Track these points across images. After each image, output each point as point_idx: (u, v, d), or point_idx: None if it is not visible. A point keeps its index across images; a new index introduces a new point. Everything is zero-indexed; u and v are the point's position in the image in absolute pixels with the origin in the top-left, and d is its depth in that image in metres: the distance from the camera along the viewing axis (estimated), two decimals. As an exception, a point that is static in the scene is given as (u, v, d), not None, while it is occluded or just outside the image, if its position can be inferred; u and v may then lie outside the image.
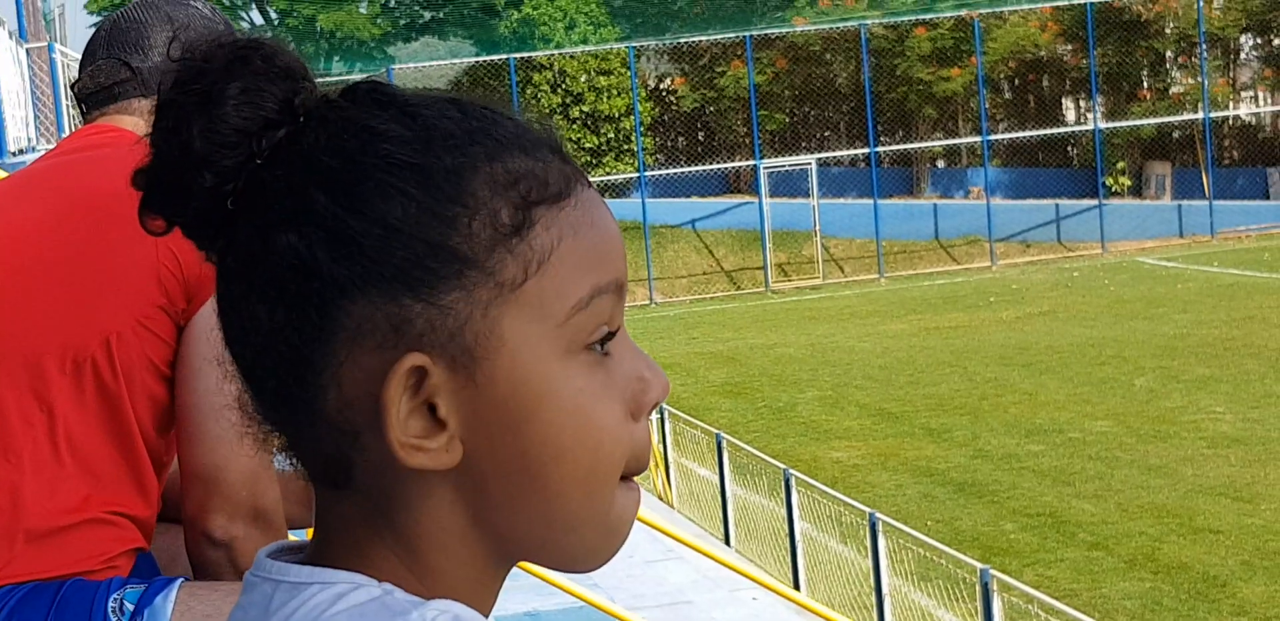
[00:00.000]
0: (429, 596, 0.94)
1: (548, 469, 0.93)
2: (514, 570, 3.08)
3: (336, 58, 47.09)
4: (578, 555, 0.97)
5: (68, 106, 16.19)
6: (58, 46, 17.92)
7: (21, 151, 13.73)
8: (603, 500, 0.95)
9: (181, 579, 2.17)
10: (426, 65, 39.20)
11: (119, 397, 2.19)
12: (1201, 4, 38.33)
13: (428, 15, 49.30)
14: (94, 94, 2.46)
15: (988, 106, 39.41)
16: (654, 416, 17.66)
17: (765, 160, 37.58)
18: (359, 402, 0.92)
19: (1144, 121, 39.15)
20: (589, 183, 0.98)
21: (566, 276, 0.93)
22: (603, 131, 39.35)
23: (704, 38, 40.24)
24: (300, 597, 0.93)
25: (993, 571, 10.87)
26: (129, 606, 2.11)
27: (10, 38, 15.59)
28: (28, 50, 16.37)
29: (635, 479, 0.97)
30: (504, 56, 37.31)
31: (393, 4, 49.34)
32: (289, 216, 0.92)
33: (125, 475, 2.22)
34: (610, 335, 0.95)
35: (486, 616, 0.99)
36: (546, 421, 0.93)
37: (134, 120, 2.42)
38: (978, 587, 10.97)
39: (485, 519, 0.95)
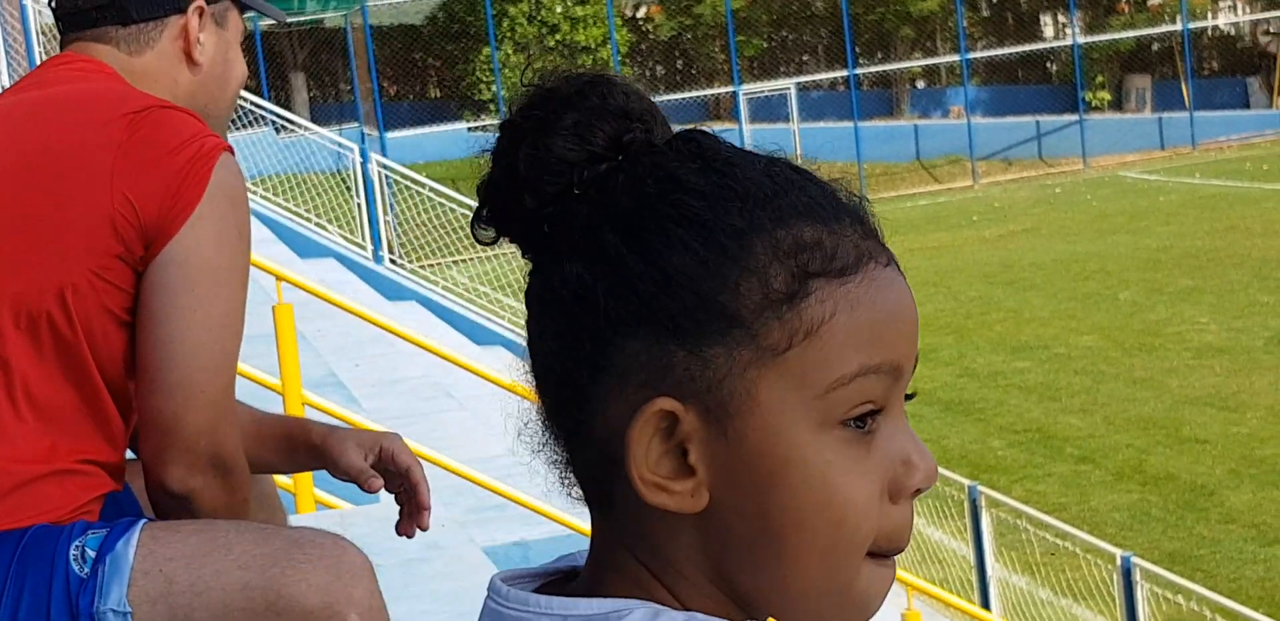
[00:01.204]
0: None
1: (786, 533, 0.95)
2: (502, 500, 3.07)
3: (309, -5, 46.72)
4: (812, 618, 0.99)
5: (40, 54, 16.09)
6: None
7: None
8: (843, 573, 0.96)
9: (144, 521, 2.14)
10: (402, 1, 38.94)
11: (78, 349, 2.16)
12: (1176, -86, 38.11)
13: (399, -50, 48.96)
14: (71, 16, 2.40)
15: (965, 24, 39.23)
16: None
17: (744, 86, 37.43)
18: (620, 435, 0.95)
19: (1123, 34, 39.01)
20: (890, 261, 0.99)
21: (833, 351, 0.94)
22: (580, 62, 39.13)
23: (677, -36, 39.97)
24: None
25: (981, 488, 10.94)
26: (90, 553, 2.09)
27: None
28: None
29: (888, 560, 0.98)
30: (477, -11, 37.06)
31: (363, -60, 48.94)
32: (582, 249, 0.97)
33: (91, 424, 2.19)
34: (873, 414, 0.96)
35: None
36: (790, 488, 0.94)
37: (108, 50, 2.36)
38: (966, 504, 11.04)
39: (727, 570, 0.98)
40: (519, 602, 1.00)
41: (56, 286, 2.13)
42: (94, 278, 2.14)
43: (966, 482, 11.36)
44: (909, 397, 1.00)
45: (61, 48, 2.41)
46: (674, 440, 0.95)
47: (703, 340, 0.94)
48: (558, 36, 38.92)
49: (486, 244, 1.03)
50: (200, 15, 2.36)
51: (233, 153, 2.21)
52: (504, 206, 1.00)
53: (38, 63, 15.94)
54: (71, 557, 2.08)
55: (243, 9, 2.46)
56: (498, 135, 1.00)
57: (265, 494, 2.56)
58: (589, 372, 0.97)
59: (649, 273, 0.95)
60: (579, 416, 0.98)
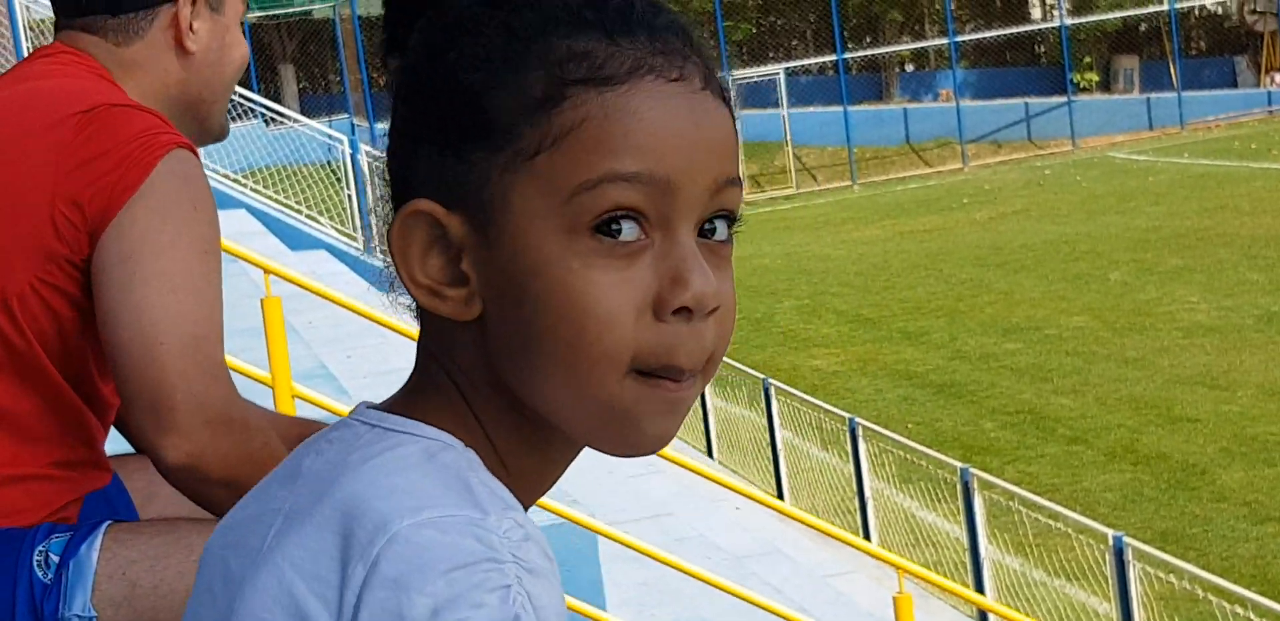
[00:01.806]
0: (493, 448, 0.99)
1: (535, 341, 0.96)
2: None
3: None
4: (590, 437, 1.00)
5: (28, 50, 16.08)
6: (11, -11, 17.73)
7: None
8: (597, 387, 0.96)
9: (107, 523, 2.10)
10: None
11: (32, 356, 2.11)
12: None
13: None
14: (63, 2, 2.36)
15: (953, 7, 39.21)
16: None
17: (733, 72, 37.39)
18: None
19: (1110, 15, 39.00)
20: (684, 77, 0.98)
21: (580, 156, 0.95)
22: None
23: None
24: (387, 443, 0.98)
25: (973, 470, 10.95)
26: (54, 558, 2.05)
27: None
28: None
29: (671, 381, 0.97)
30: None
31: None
32: (409, 55, 1.03)
33: (58, 427, 2.14)
34: (633, 222, 0.95)
35: (544, 489, 1.05)
36: (536, 294, 0.95)
37: (96, 40, 2.31)
38: (959, 487, 11.05)
39: (504, 379, 0.99)
40: (356, 413, 1.03)
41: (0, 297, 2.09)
42: (41, 284, 2.09)
43: (959, 465, 11.37)
44: (726, 221, 1.00)
45: (55, 35, 2.37)
46: (453, 248, 0.98)
47: (467, 144, 0.97)
48: (545, 24, 38.85)
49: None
50: (193, 3, 2.32)
51: (194, 151, 2.16)
52: (390, 34, 1.05)
53: (24, 53, 15.92)
54: (35, 563, 2.05)
55: None
56: None
57: None
58: (397, 179, 1.03)
59: (430, 76, 0.99)
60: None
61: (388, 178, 1.04)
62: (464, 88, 0.97)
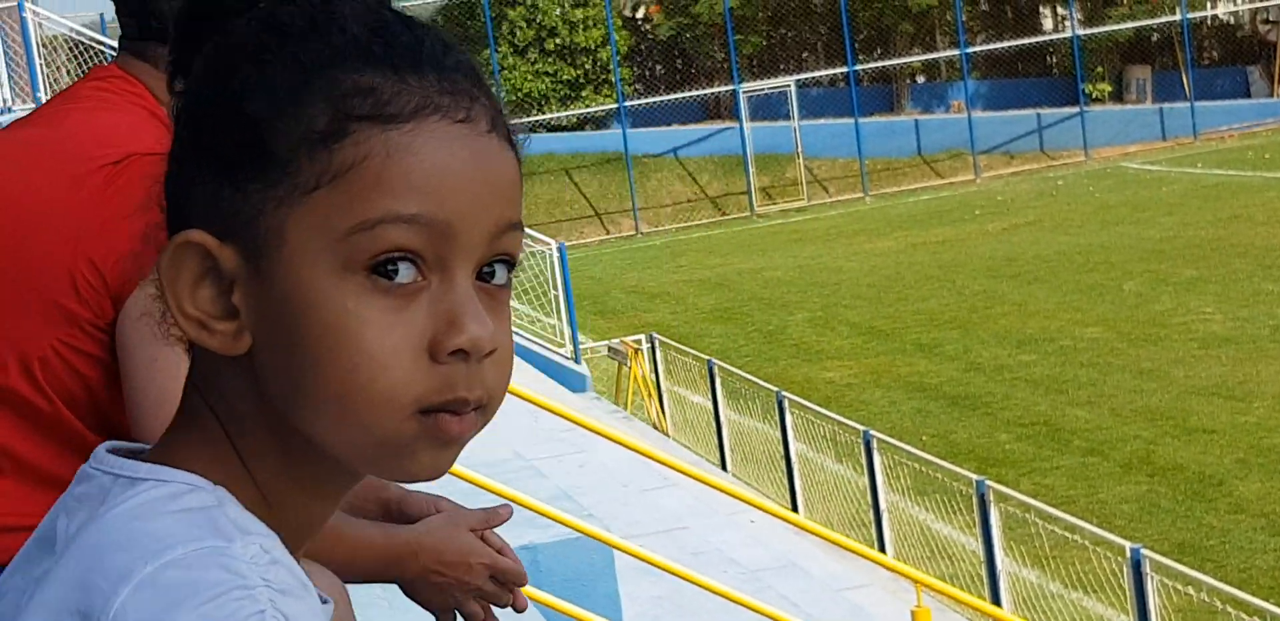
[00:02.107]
0: (254, 485, 0.97)
1: (306, 379, 0.94)
2: (509, 503, 2.79)
3: None
4: (366, 468, 0.98)
5: (41, 66, 16.10)
6: (27, 4, 17.78)
7: (-6, 112, 13.65)
8: (372, 425, 0.94)
9: None
10: (401, 6, 38.85)
11: (60, 417, 2.08)
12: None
13: (395, -45, 48.88)
14: (125, 20, 2.28)
15: (964, 18, 39.20)
16: (644, 345, 17.68)
17: (744, 84, 37.40)
18: None
19: (1122, 26, 38.96)
20: (471, 118, 0.97)
21: (358, 194, 0.93)
22: (580, 64, 39.15)
23: (674, -36, 39.93)
24: (131, 491, 0.96)
25: (989, 482, 10.92)
26: None
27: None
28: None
29: (450, 414, 0.95)
30: (474, -8, 37.05)
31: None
32: (191, 82, 1.01)
33: None
34: (410, 264, 0.94)
35: (318, 525, 1.01)
36: (308, 331, 0.93)
37: (148, 68, 2.24)
38: (974, 499, 11.02)
39: (276, 413, 0.97)
40: (97, 460, 1.00)
41: (21, 361, 2.05)
42: (62, 346, 2.05)
43: (974, 477, 11.33)
44: (505, 265, 0.99)
45: (117, 55, 2.30)
46: (225, 280, 0.96)
47: (244, 175, 0.95)
48: (556, 39, 38.89)
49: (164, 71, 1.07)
50: None
51: None
52: (177, 58, 1.05)
53: (39, 75, 15.93)
54: None
55: None
56: None
57: None
58: (172, 207, 0.99)
59: (210, 104, 0.97)
60: None
61: (163, 204, 1.01)
62: (245, 117, 0.95)
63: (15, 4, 16.68)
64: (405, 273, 0.94)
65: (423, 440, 0.95)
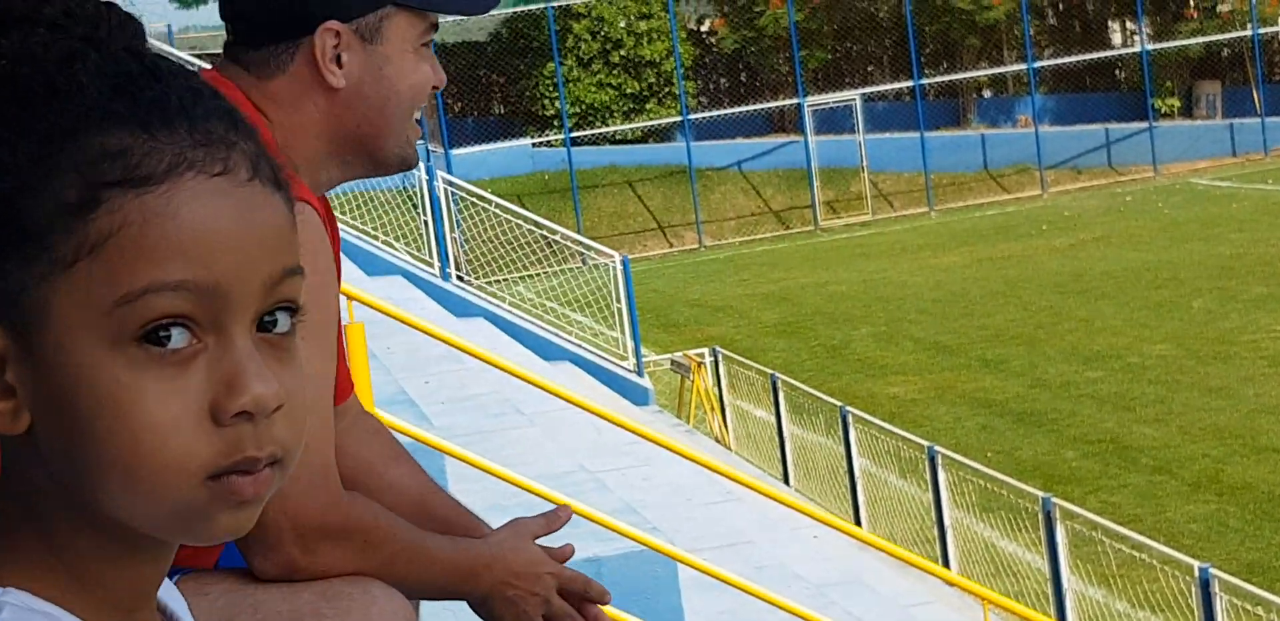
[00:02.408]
0: (61, 565, 0.95)
1: (89, 454, 0.92)
2: (573, 517, 2.78)
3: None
4: (163, 534, 0.96)
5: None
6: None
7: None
8: (161, 494, 0.92)
9: (178, 576, 2.02)
10: (463, 21, 39.10)
11: None
12: (1243, -81, 37.81)
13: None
14: (227, 24, 2.25)
15: (1032, 33, 39.01)
16: (707, 359, 17.64)
17: (809, 98, 37.33)
18: None
19: (1192, 41, 38.68)
20: (229, 170, 0.94)
21: (120, 266, 0.90)
22: (644, 76, 39.18)
23: (740, -23, 39.92)
24: None
25: (1055, 500, 10.84)
26: None
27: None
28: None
29: (241, 475, 0.94)
30: (541, 6, 37.14)
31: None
32: None
33: None
34: (182, 330, 0.91)
35: (148, 586, 0.99)
36: (83, 407, 0.91)
37: (242, 73, 2.20)
38: (1040, 517, 10.95)
39: (69, 491, 0.94)
40: None
41: None
42: None
43: (1040, 494, 11.26)
44: (287, 311, 0.96)
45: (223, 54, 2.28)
46: None
47: (1, 254, 0.91)
48: (621, 51, 38.95)
49: None
50: (337, 36, 2.17)
51: (312, 204, 2.06)
52: None
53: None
54: None
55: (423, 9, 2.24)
56: None
57: None
58: None
59: None
60: None
61: None
62: None
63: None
64: (178, 338, 0.91)
65: (217, 503, 0.93)
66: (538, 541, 2.25)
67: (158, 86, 0.94)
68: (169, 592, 1.05)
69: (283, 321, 0.96)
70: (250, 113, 2.17)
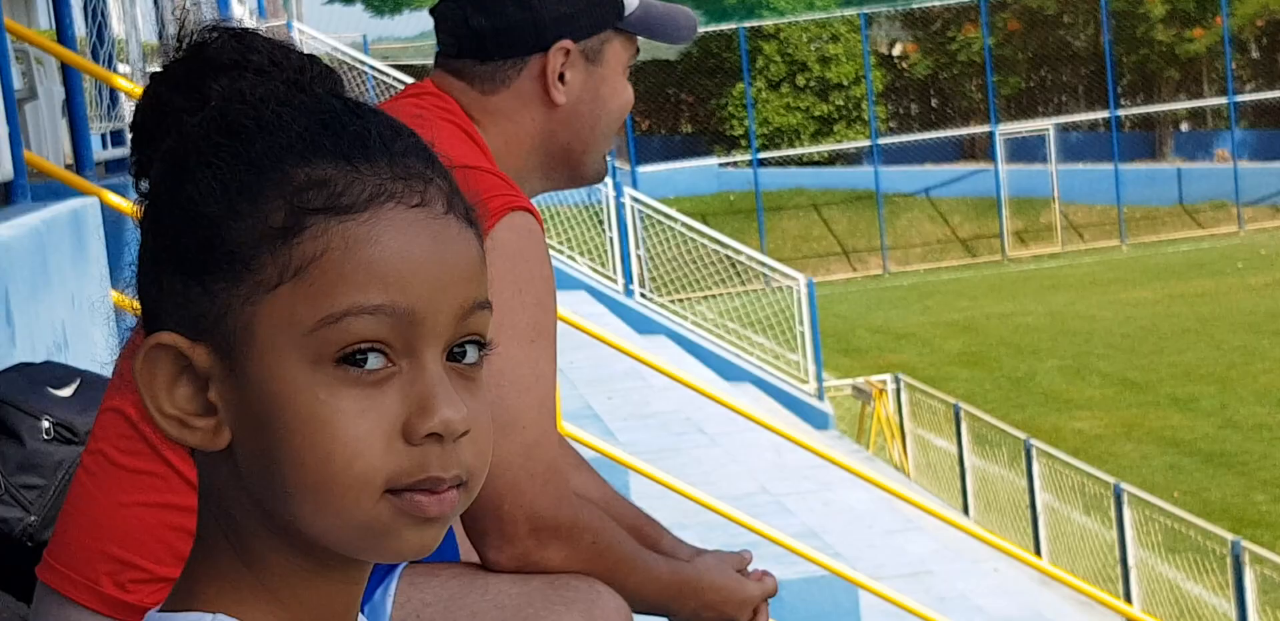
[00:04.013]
0: (263, 587, 0.99)
1: (285, 470, 0.96)
2: (755, 538, 2.99)
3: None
4: (354, 552, 0.99)
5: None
6: (296, 24, 18.31)
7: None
8: (348, 509, 0.96)
9: (402, 567, 2.08)
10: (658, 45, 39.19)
11: None
12: None
13: (657, -13, 49.30)
14: (441, 36, 2.31)
15: (1234, 66, 38.24)
16: (889, 386, 17.48)
17: (1001, 125, 36.92)
18: None
19: (1400, 78, 37.66)
20: (426, 202, 0.98)
21: (322, 289, 0.95)
22: (832, 99, 39.05)
23: (936, 2, 39.63)
24: None
25: (1244, 543, 10.58)
26: None
27: (250, 16, 15.96)
28: (266, 28, 16.75)
29: (424, 495, 0.96)
30: (733, 25, 37.17)
31: (623, -23, 49.44)
32: (149, 184, 1.02)
33: None
34: (380, 354, 0.95)
35: (346, 607, 1.02)
36: (283, 424, 0.95)
37: (462, 86, 2.27)
38: (1228, 560, 10.71)
39: (263, 506, 0.98)
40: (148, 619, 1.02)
41: None
42: None
43: (1229, 537, 10.99)
44: (476, 345, 0.99)
45: (433, 70, 2.33)
46: (199, 378, 0.97)
47: (210, 275, 0.96)
48: (808, 74, 38.86)
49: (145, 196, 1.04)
50: (566, 54, 2.26)
51: (533, 212, 2.10)
52: (138, 157, 1.05)
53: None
54: None
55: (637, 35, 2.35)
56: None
57: None
58: (150, 312, 1.01)
59: (171, 207, 0.98)
60: None
61: (138, 306, 1.04)
62: (203, 219, 0.97)
63: (284, 23, 17.24)
64: (374, 360, 0.96)
65: (402, 519, 0.97)
66: None
67: (360, 122, 0.99)
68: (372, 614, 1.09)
69: (471, 353, 1.00)
70: (465, 124, 2.25)
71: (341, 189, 0.96)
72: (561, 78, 2.26)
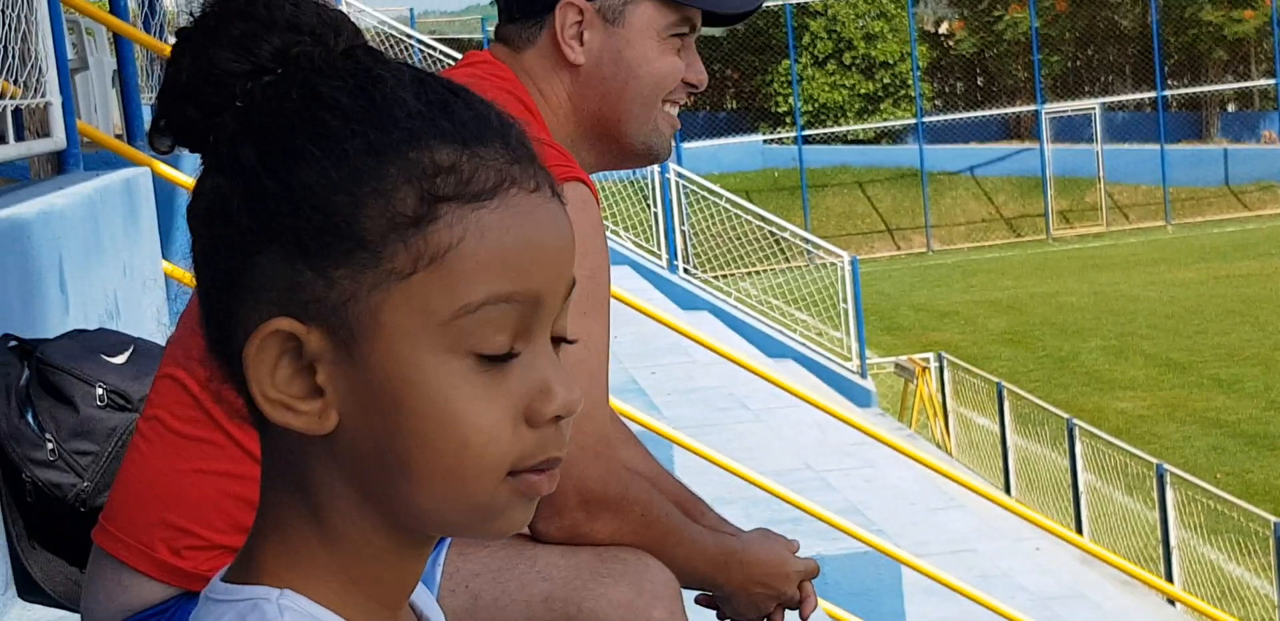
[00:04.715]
0: (337, 565, 0.99)
1: (412, 456, 0.95)
2: (798, 514, 2.99)
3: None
4: (457, 532, 1.01)
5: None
6: (344, -1, 18.29)
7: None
8: (475, 493, 0.96)
9: (450, 539, 2.09)
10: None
11: None
12: None
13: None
14: (499, 10, 2.28)
15: (1282, 47, 37.94)
16: (932, 364, 17.44)
17: (1047, 105, 36.73)
18: None
19: None
20: (540, 187, 0.98)
21: (459, 278, 0.94)
22: (878, 77, 38.91)
23: (984, -20, 39.42)
24: (209, 614, 0.98)
25: (1287, 525, 10.54)
26: None
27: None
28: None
29: (536, 474, 0.97)
30: (780, 2, 37.06)
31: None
32: (223, 163, 0.97)
33: None
34: (495, 343, 0.95)
35: (410, 584, 1.02)
36: (414, 412, 0.94)
37: (504, 49, 2.27)
38: (1271, 542, 10.67)
39: (365, 490, 0.97)
40: (210, 589, 1.01)
41: None
42: None
43: (1272, 519, 10.95)
44: (564, 341, 1.00)
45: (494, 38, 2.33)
46: (305, 360, 0.95)
47: (329, 261, 0.94)
48: (854, 52, 38.71)
49: (164, 153, 1.02)
50: (579, 13, 2.22)
51: (588, 183, 2.08)
52: (173, 116, 1.00)
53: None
54: None
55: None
56: (173, 42, 1.00)
57: None
58: (230, 290, 0.97)
59: (279, 189, 0.94)
60: (226, 335, 0.97)
61: (190, 276, 1.01)
62: (324, 205, 0.94)
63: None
64: (503, 347, 0.95)
65: (514, 499, 0.97)
66: None
67: (468, 105, 0.98)
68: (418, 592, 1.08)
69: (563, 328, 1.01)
70: (519, 91, 2.23)
71: (469, 175, 0.95)
72: (581, 38, 2.23)
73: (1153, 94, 36.96)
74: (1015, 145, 38.01)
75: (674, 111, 2.34)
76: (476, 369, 0.94)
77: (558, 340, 1.00)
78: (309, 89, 0.96)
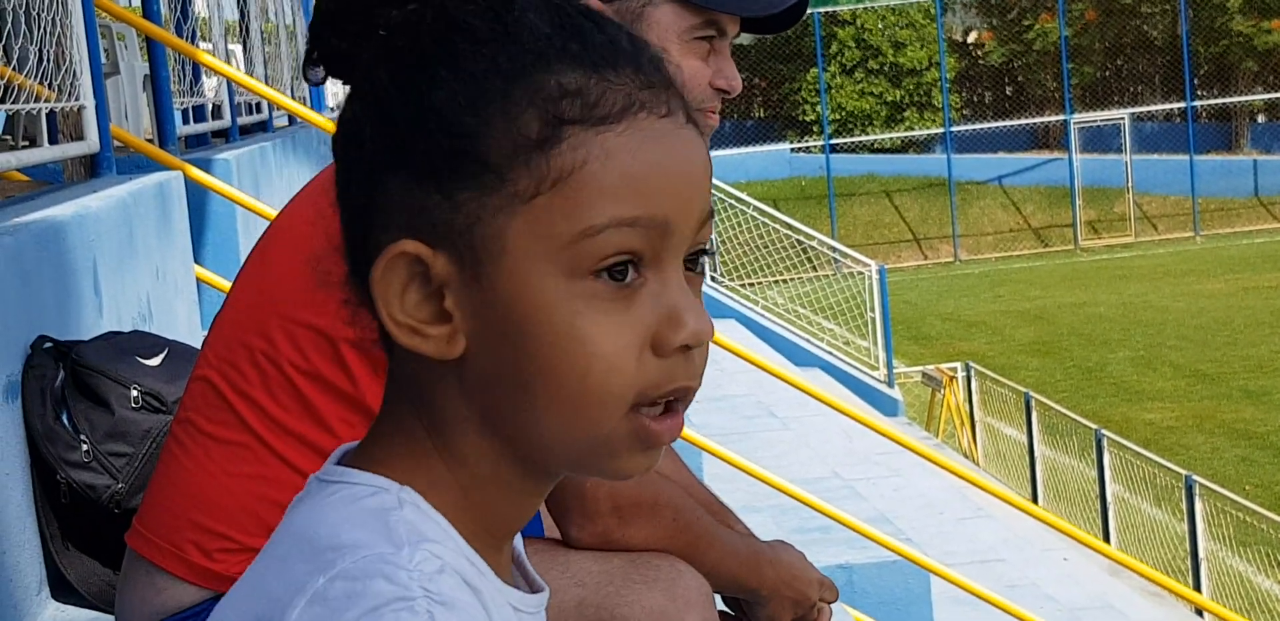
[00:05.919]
0: (456, 483, 0.98)
1: (535, 382, 0.95)
2: (827, 522, 2.99)
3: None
4: (577, 468, 1.00)
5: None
6: None
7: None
8: (598, 423, 0.95)
9: None
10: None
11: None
12: None
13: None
14: None
15: (1313, 58, 37.82)
16: (959, 374, 17.39)
17: (1076, 115, 36.65)
18: None
19: None
20: (673, 112, 0.97)
21: (582, 200, 0.93)
22: (904, 85, 38.86)
23: (1013, -10, 39.37)
24: (324, 492, 0.98)
25: (1318, 538, 10.49)
26: None
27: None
28: None
29: (664, 411, 0.96)
30: (809, 11, 37.01)
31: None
32: (359, 87, 0.99)
33: None
34: (633, 266, 0.95)
35: (521, 520, 1.02)
36: (536, 336, 0.94)
37: None
38: (1303, 555, 10.61)
39: (489, 416, 0.97)
40: (324, 471, 1.01)
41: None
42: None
43: (1303, 532, 10.90)
44: (704, 253, 1.00)
45: None
46: (433, 284, 0.96)
47: (455, 184, 0.94)
48: (880, 60, 38.66)
49: (315, 83, 1.03)
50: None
51: None
52: (321, 47, 1.00)
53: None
54: None
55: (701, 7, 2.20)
56: None
57: None
58: (364, 214, 0.98)
59: (408, 112, 0.95)
60: (361, 257, 0.98)
61: (339, 201, 1.01)
62: (452, 127, 0.95)
63: None
64: (629, 273, 0.95)
65: (635, 443, 0.96)
66: None
67: (601, 29, 0.98)
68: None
69: (700, 262, 1.00)
70: None
71: (595, 99, 0.95)
72: None
73: (1182, 104, 36.85)
74: (1044, 155, 37.91)
75: (711, 119, 2.30)
76: (603, 295, 0.94)
77: (696, 255, 0.99)
78: (443, 13, 0.96)
